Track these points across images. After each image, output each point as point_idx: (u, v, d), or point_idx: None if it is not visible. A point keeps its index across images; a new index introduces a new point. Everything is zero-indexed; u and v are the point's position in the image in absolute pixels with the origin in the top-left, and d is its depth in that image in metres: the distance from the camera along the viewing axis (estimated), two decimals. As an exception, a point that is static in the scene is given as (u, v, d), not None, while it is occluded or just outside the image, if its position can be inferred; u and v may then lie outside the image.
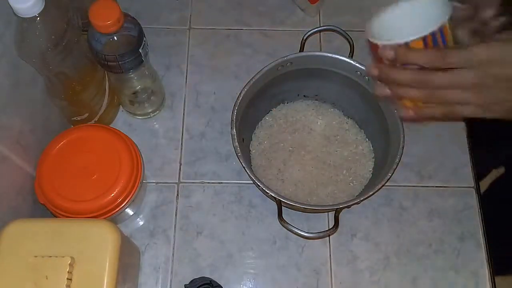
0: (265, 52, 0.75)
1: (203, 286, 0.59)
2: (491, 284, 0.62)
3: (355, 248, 0.64)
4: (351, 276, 0.62)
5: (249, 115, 0.63)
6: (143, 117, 0.70)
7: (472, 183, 0.67)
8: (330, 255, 0.63)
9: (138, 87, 0.66)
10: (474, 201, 0.66)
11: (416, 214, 0.66)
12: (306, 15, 0.78)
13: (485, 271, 0.62)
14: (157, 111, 0.70)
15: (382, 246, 0.64)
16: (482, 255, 0.63)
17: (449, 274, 0.62)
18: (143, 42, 0.57)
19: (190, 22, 0.77)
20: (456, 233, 0.64)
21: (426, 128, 0.70)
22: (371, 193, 0.56)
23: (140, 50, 0.57)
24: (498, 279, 0.63)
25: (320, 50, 0.75)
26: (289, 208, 0.59)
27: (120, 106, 0.70)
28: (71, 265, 0.46)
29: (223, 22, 0.77)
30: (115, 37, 0.54)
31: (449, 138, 0.70)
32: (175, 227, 0.64)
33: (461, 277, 0.62)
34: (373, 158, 0.66)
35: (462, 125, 0.71)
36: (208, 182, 0.67)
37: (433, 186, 0.67)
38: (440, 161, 0.68)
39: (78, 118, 0.64)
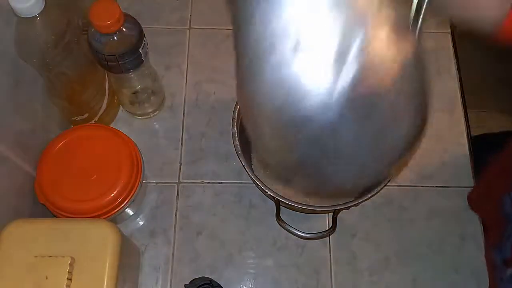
0: (265, 52, 0.75)
1: (203, 286, 0.59)
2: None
3: (355, 248, 0.64)
4: (351, 276, 0.62)
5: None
6: (143, 117, 0.70)
7: (472, 183, 0.67)
8: (330, 255, 0.63)
9: (138, 87, 0.66)
10: (474, 201, 0.66)
11: (416, 214, 0.66)
12: (306, 15, 0.78)
13: (485, 271, 0.62)
14: (157, 111, 0.70)
15: (382, 246, 0.64)
16: (482, 255, 0.63)
17: (449, 274, 0.62)
18: (143, 42, 0.57)
19: (190, 22, 0.77)
20: (456, 233, 0.64)
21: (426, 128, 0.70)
22: (369, 196, 0.56)
23: (140, 50, 0.56)
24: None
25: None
26: (287, 208, 0.59)
27: (120, 106, 0.70)
28: (71, 265, 0.46)
29: (223, 22, 0.77)
30: (115, 37, 0.54)
31: (449, 138, 0.70)
32: (175, 227, 0.64)
33: (461, 277, 0.62)
34: None
35: (462, 125, 0.71)
36: (208, 182, 0.67)
37: (433, 186, 0.67)
38: (440, 161, 0.68)
39: (78, 118, 0.64)
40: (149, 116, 0.70)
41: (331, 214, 0.65)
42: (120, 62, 0.56)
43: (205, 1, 0.78)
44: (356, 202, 0.56)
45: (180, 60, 0.74)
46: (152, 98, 0.68)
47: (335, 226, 0.55)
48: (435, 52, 0.75)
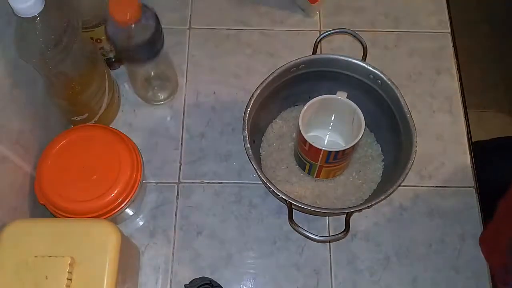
0: (265, 52, 0.75)
1: (203, 286, 0.59)
2: (490, 284, 0.62)
3: (355, 248, 0.64)
4: (351, 276, 0.62)
5: (260, 116, 0.63)
6: (157, 103, 0.70)
7: (472, 183, 0.67)
8: (330, 255, 0.63)
9: (152, 73, 0.67)
10: (474, 201, 0.66)
11: (416, 214, 0.66)
12: (306, 15, 0.78)
13: (485, 271, 0.62)
14: (172, 96, 0.71)
15: (382, 246, 0.64)
16: (482, 255, 0.63)
17: (449, 274, 0.62)
18: (161, 28, 0.58)
19: (190, 22, 0.77)
20: (456, 233, 0.64)
21: (426, 128, 0.70)
22: (382, 198, 0.55)
23: (159, 38, 0.58)
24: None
25: (320, 51, 0.75)
26: (299, 210, 0.59)
27: (120, 106, 0.70)
28: (71, 265, 0.46)
29: (223, 22, 0.77)
30: (135, 29, 0.54)
31: (449, 138, 0.70)
32: (175, 227, 0.64)
33: (461, 277, 0.62)
34: (382, 161, 0.65)
35: (462, 125, 0.71)
36: (208, 182, 0.67)
37: (433, 186, 0.67)
38: (440, 161, 0.68)
39: (78, 118, 0.64)
40: (163, 102, 0.70)
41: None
42: (137, 53, 0.57)
43: (205, 1, 0.78)
44: (369, 204, 0.55)
45: (180, 60, 0.74)
46: (167, 83, 0.69)
47: (349, 228, 0.54)
48: (435, 52, 0.76)
